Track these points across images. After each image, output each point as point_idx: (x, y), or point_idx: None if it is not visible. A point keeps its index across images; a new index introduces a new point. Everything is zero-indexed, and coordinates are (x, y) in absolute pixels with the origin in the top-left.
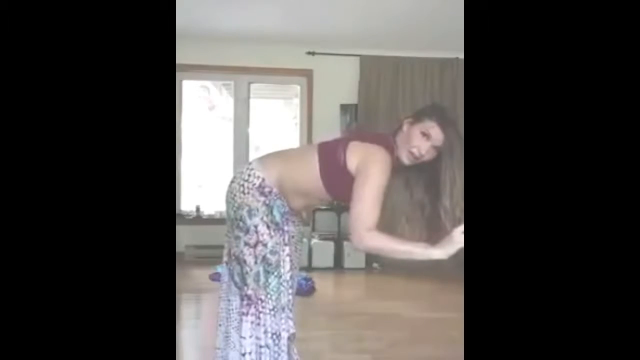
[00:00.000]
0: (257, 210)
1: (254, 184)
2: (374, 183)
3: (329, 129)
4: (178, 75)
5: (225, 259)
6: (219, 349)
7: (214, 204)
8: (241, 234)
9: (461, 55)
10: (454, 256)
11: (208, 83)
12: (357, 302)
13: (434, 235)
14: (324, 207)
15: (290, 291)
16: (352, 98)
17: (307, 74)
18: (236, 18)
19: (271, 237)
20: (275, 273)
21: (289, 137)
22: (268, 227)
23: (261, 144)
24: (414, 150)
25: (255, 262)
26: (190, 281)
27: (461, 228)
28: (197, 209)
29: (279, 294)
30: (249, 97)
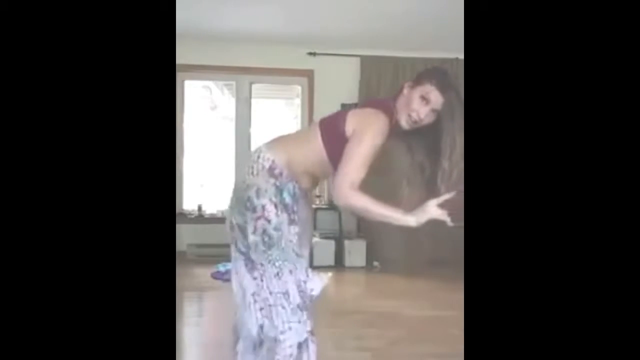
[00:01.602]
0: (266, 191)
1: (264, 166)
2: (365, 144)
3: None
4: (180, 75)
5: (229, 235)
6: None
7: (215, 203)
8: (247, 212)
9: (461, 56)
10: (455, 254)
11: (210, 83)
12: (358, 301)
13: (432, 198)
14: (324, 207)
15: (301, 260)
16: (352, 98)
17: (308, 74)
18: (238, 19)
19: (277, 216)
20: (277, 245)
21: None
22: (276, 206)
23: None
24: (413, 114)
25: (254, 232)
26: (192, 279)
27: (437, 200)
28: (199, 208)
29: (284, 262)
30: (250, 97)
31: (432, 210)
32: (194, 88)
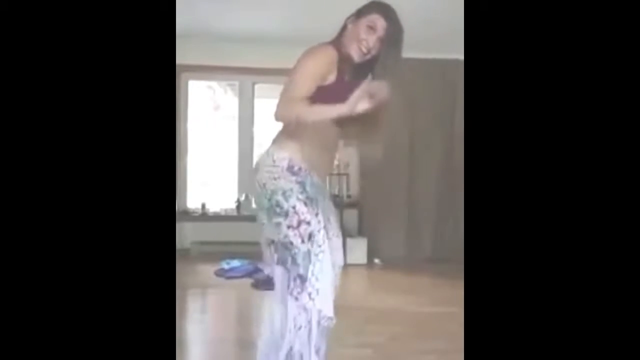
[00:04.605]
0: (292, 190)
1: (283, 167)
2: (299, 69)
3: None
4: (184, 75)
5: (266, 251)
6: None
7: (219, 202)
8: (281, 219)
9: (461, 57)
10: (455, 251)
11: (213, 83)
12: (359, 297)
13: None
14: None
15: (331, 272)
16: None
17: None
18: (241, 20)
19: (311, 214)
20: (320, 254)
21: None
22: (305, 204)
23: (265, 143)
24: (363, 44)
25: (303, 242)
26: (196, 277)
27: (367, 86)
28: (203, 206)
29: (324, 274)
30: (253, 97)
31: (358, 94)
32: (197, 88)
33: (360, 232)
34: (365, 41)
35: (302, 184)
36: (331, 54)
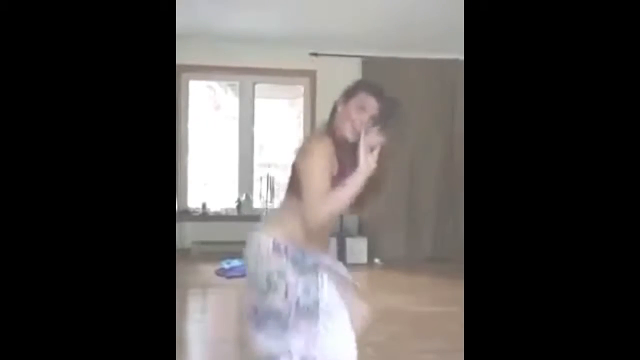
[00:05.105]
0: (284, 269)
1: (269, 248)
2: (309, 167)
3: None
4: (185, 75)
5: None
6: None
7: (219, 201)
8: (275, 294)
9: (461, 57)
10: (455, 251)
11: (214, 83)
12: (360, 296)
13: None
14: None
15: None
16: None
17: (311, 75)
18: (242, 21)
19: (299, 282)
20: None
21: (293, 136)
22: (296, 276)
23: (265, 142)
24: (356, 124)
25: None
26: (196, 276)
27: (364, 141)
28: (204, 206)
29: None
30: (253, 97)
31: (364, 152)
32: (198, 88)
33: (361, 232)
34: (358, 120)
35: (293, 260)
36: (329, 146)
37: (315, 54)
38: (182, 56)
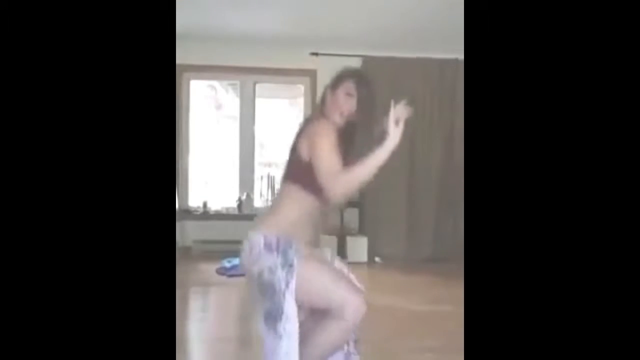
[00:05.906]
0: (275, 265)
1: (260, 247)
2: (322, 147)
3: None
4: (186, 75)
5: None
6: None
7: (220, 200)
8: (266, 295)
9: (461, 56)
10: (455, 251)
11: (215, 83)
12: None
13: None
14: None
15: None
16: None
17: (311, 74)
18: (242, 21)
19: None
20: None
21: (293, 135)
22: (287, 272)
23: (266, 142)
24: (345, 110)
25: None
26: (197, 275)
27: (392, 113)
28: (204, 204)
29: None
30: (254, 97)
31: (392, 123)
32: (199, 88)
33: (361, 231)
34: (346, 107)
35: (283, 254)
36: (328, 124)
37: (315, 54)
38: (183, 56)
